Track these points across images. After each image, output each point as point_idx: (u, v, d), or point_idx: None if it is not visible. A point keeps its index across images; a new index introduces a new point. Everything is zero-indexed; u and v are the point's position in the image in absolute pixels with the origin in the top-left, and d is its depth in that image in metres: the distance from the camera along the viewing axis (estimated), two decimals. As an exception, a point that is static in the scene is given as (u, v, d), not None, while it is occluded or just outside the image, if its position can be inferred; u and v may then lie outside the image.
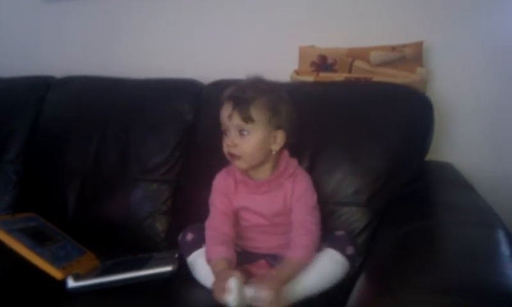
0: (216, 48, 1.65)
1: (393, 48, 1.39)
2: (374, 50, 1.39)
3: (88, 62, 1.71)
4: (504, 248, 0.80)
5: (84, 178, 1.46)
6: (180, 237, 1.18)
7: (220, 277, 0.97)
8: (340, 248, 1.08)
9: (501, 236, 0.85)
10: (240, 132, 1.06)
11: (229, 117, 1.07)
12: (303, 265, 1.04)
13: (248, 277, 1.00)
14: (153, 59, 1.71)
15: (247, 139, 1.06)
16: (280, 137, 1.09)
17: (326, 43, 1.48)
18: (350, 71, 1.42)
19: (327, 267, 1.06)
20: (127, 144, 1.46)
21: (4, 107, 1.64)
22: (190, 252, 1.13)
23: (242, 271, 0.99)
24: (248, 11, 1.61)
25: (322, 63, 1.45)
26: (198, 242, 1.12)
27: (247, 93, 1.06)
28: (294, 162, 1.15)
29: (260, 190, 1.12)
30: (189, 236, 1.15)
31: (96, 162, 1.47)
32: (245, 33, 1.62)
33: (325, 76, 1.43)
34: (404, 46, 1.38)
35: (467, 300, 0.63)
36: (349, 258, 1.08)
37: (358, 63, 1.40)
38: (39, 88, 1.66)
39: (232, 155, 1.08)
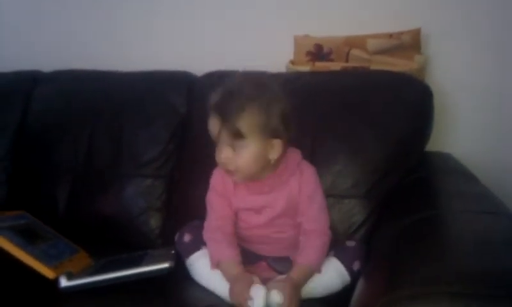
0: (209, 39, 1.61)
1: (391, 36, 1.37)
2: (371, 38, 1.37)
3: (76, 57, 1.66)
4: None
5: (76, 175, 1.42)
6: (176, 238, 1.14)
7: (241, 282, 0.93)
8: (347, 263, 1.01)
9: (508, 222, 0.84)
10: (232, 147, 0.97)
11: (218, 133, 0.97)
12: (315, 270, 0.99)
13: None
14: (144, 51, 1.66)
15: (240, 153, 0.97)
16: (278, 145, 0.99)
17: (322, 32, 1.45)
18: (347, 60, 1.39)
19: (328, 279, 1.00)
20: (118, 139, 1.41)
21: (-10, 103, 1.58)
22: (188, 254, 1.08)
23: None
24: (241, 0, 1.57)
25: (318, 52, 1.43)
26: (196, 243, 1.08)
27: (234, 102, 0.94)
28: (295, 155, 1.07)
29: (261, 191, 1.04)
30: (187, 237, 1.10)
31: (87, 158, 1.42)
32: (238, 23, 1.58)
33: (321, 65, 1.40)
34: (401, 33, 1.36)
35: (477, 289, 0.61)
36: (354, 275, 1.00)
37: (355, 52, 1.37)
38: (26, 83, 1.59)
39: (227, 170, 1.01)
